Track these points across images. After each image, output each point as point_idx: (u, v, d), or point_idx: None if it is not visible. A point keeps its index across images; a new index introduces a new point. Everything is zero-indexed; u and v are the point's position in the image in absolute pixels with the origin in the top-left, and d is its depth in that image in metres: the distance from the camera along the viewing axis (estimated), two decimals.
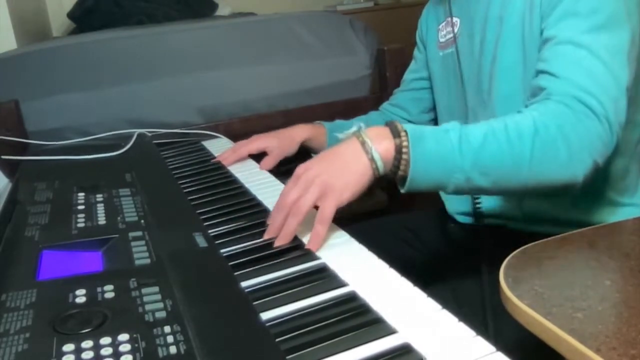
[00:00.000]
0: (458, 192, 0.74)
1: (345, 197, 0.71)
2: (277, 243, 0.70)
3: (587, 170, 0.72)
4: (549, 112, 0.73)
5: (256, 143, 1.11)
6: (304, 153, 1.15)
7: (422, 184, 0.72)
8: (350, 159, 0.72)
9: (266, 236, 0.72)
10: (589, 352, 0.46)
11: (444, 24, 1.03)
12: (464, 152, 0.71)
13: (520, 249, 0.65)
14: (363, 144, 0.72)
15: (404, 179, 0.72)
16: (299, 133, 1.13)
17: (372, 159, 0.71)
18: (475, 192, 0.78)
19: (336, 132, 1.14)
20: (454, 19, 1.00)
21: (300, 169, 0.75)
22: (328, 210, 0.70)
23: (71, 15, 2.49)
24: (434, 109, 1.12)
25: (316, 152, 1.17)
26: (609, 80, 0.74)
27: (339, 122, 1.19)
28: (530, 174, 0.72)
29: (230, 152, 1.11)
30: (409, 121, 1.17)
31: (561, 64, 0.77)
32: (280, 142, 1.10)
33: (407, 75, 1.19)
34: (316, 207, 0.72)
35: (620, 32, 0.76)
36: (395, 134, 0.72)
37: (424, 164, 0.71)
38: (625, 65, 0.76)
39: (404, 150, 0.71)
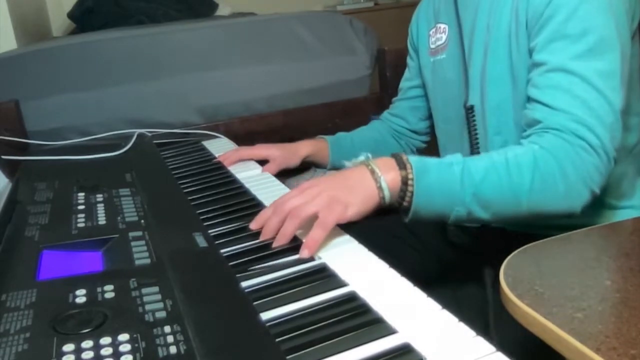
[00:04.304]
0: (458, 222, 0.77)
1: (350, 214, 0.71)
2: (276, 244, 0.70)
3: (584, 201, 0.74)
4: (548, 146, 0.74)
5: (259, 150, 1.11)
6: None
7: (425, 215, 0.75)
8: (359, 182, 0.74)
9: (262, 237, 0.72)
10: (589, 352, 0.46)
11: (433, 30, 1.03)
12: (466, 186, 0.73)
13: (520, 249, 0.65)
14: (372, 172, 0.74)
15: (407, 209, 0.74)
16: (302, 148, 1.13)
17: (380, 188, 0.73)
18: (474, 222, 0.80)
19: (338, 146, 1.14)
20: (443, 25, 0.99)
21: (307, 183, 0.75)
22: (330, 217, 0.70)
23: (71, 15, 2.49)
24: (431, 116, 1.12)
25: (319, 166, 1.17)
26: (603, 108, 0.74)
27: (340, 134, 1.18)
28: (529, 206, 0.74)
29: (232, 152, 1.12)
30: (410, 130, 1.17)
31: (555, 94, 0.76)
32: (283, 153, 1.10)
33: (403, 84, 1.19)
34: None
35: (612, 53, 0.76)
36: (401, 165, 0.74)
37: (427, 197, 0.73)
38: (618, 88, 0.76)
39: (410, 182, 0.73)
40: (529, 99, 0.80)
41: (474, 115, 0.93)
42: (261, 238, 0.72)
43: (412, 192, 0.73)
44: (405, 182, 0.73)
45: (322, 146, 1.15)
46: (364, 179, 0.74)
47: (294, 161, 1.11)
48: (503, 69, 0.86)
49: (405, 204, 0.74)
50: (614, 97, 0.75)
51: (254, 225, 0.75)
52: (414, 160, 0.74)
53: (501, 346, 0.47)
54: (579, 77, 0.75)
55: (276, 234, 0.71)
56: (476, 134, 0.93)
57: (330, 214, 0.70)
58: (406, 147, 1.18)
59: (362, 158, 0.78)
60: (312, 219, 0.70)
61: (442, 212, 0.75)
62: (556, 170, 0.73)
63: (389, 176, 0.73)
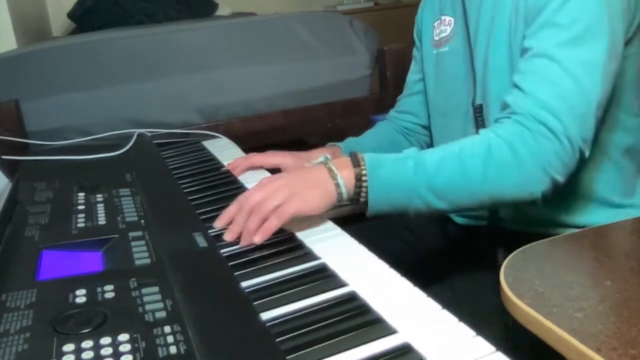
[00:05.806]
0: (420, 215, 0.78)
1: (309, 208, 0.74)
2: (243, 243, 0.71)
3: (545, 188, 0.74)
4: (505, 134, 0.75)
5: (271, 158, 1.04)
6: None
7: (384, 209, 0.77)
8: (318, 179, 0.77)
9: (228, 238, 0.73)
10: (589, 352, 0.46)
11: (438, 21, 1.02)
12: (419, 178, 0.75)
13: (520, 249, 0.65)
14: (330, 170, 0.77)
15: (365, 204, 0.77)
16: (316, 156, 1.09)
17: (337, 184, 0.76)
18: (435, 214, 0.81)
19: (350, 149, 1.11)
20: (449, 18, 0.99)
21: (267, 179, 0.78)
22: (288, 209, 0.72)
23: (71, 15, 2.49)
24: None
25: None
26: (577, 98, 0.74)
27: (351, 139, 1.13)
28: (485, 194, 0.75)
29: (242, 159, 1.05)
30: (421, 126, 1.13)
31: (531, 79, 0.77)
32: (296, 161, 1.03)
33: (410, 77, 1.16)
34: None
35: (599, 43, 0.75)
36: (355, 163, 0.77)
37: (382, 191, 0.76)
38: (599, 81, 0.75)
39: (363, 178, 0.76)
40: (512, 83, 0.81)
41: (481, 114, 0.93)
42: (227, 238, 0.73)
43: (366, 188, 0.75)
44: (359, 178, 0.76)
45: (337, 153, 1.09)
46: (322, 176, 0.77)
47: None
48: (503, 61, 0.87)
49: (362, 199, 0.76)
50: (593, 89, 0.75)
51: (219, 223, 0.76)
52: (368, 157, 0.77)
53: (501, 346, 0.47)
54: (559, 64, 0.75)
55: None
56: None
57: (290, 206, 0.72)
58: (416, 144, 1.14)
59: (321, 159, 0.80)
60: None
61: (400, 206, 0.77)
62: (510, 158, 0.73)
63: (344, 173, 0.76)
